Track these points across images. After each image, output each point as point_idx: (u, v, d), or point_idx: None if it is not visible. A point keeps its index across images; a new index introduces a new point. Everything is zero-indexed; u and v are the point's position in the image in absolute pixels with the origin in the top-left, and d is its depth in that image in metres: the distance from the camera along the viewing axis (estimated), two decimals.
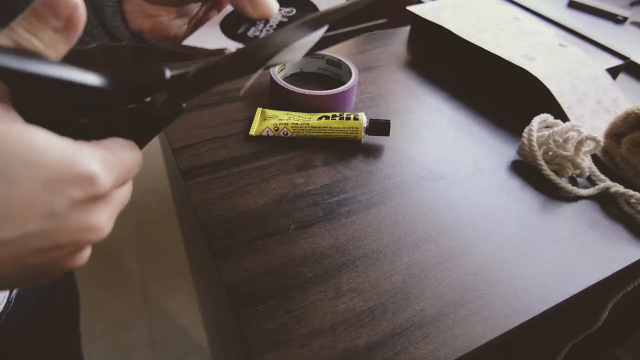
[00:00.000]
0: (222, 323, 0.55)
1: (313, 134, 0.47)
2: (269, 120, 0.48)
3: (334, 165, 0.46)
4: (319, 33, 0.25)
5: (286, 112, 0.49)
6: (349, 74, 0.54)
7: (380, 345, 0.32)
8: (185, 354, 1.17)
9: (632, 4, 0.83)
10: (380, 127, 0.48)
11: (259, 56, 0.23)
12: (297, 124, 0.47)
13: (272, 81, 0.53)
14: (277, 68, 0.55)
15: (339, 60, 0.56)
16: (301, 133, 0.47)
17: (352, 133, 0.47)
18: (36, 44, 0.18)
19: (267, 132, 0.48)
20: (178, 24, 0.31)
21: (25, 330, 0.47)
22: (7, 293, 0.38)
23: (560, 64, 0.56)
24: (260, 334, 0.32)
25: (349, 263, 0.37)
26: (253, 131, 0.48)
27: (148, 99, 0.21)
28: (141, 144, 0.22)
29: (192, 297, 1.28)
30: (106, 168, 0.18)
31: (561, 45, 0.61)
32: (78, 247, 0.18)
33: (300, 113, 0.49)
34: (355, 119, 0.47)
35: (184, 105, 0.23)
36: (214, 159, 0.45)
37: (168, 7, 0.30)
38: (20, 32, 0.17)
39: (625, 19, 0.77)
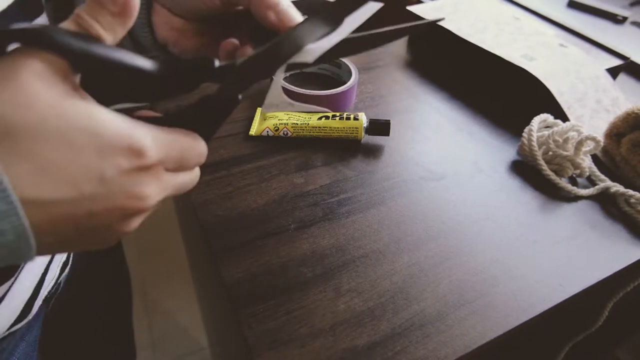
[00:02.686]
0: (222, 323, 0.55)
1: (313, 134, 0.47)
2: (269, 120, 0.48)
3: (334, 165, 0.46)
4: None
5: (286, 112, 0.49)
6: (349, 74, 0.54)
7: (380, 345, 0.32)
8: (185, 354, 1.17)
9: (632, 4, 0.83)
10: (380, 127, 0.48)
11: (301, 42, 0.24)
12: (297, 124, 0.47)
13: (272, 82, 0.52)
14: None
15: (339, 60, 0.56)
16: (301, 133, 0.47)
17: (352, 133, 0.47)
18: (97, 27, 0.20)
19: (267, 132, 0.48)
20: (200, 40, 0.33)
21: (77, 312, 0.50)
22: (55, 276, 0.40)
23: (560, 64, 0.56)
24: (260, 334, 0.32)
25: (349, 263, 0.37)
26: (253, 131, 0.48)
27: (205, 94, 0.22)
28: (206, 137, 0.24)
29: (192, 297, 1.27)
30: (156, 145, 0.20)
31: (561, 45, 0.60)
32: (125, 213, 0.20)
33: (300, 113, 0.49)
34: (355, 119, 0.47)
35: (240, 96, 0.24)
36: (214, 159, 0.45)
37: (190, 21, 0.32)
38: (84, 17, 0.20)
39: (625, 19, 0.77)
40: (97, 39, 0.20)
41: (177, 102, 0.24)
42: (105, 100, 0.20)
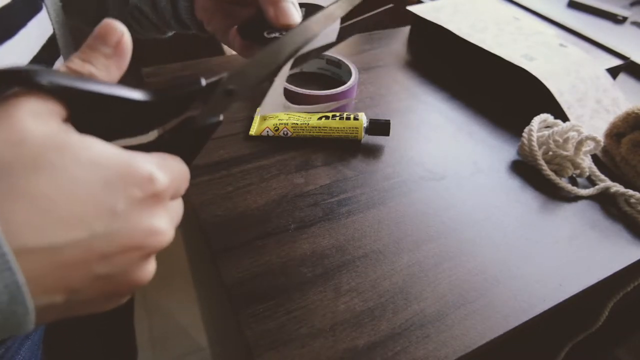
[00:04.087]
0: (222, 323, 0.55)
1: (313, 134, 0.47)
2: (269, 120, 0.48)
3: (334, 165, 0.46)
4: (331, 28, 0.26)
5: (286, 112, 0.49)
6: (349, 74, 0.54)
7: (380, 345, 0.32)
8: (185, 354, 1.17)
9: (632, 4, 0.83)
10: (380, 127, 0.48)
11: (283, 54, 0.25)
12: (297, 124, 0.47)
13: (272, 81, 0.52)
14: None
15: (339, 60, 0.56)
16: (301, 133, 0.47)
17: (352, 133, 0.47)
18: (89, 68, 0.20)
19: (267, 132, 0.48)
20: (229, 21, 0.36)
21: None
22: None
23: (560, 64, 0.56)
24: (260, 334, 0.32)
25: (349, 263, 0.37)
26: (253, 131, 0.48)
27: (186, 115, 0.22)
28: (187, 161, 0.23)
29: (192, 297, 1.27)
30: (161, 170, 0.19)
31: (561, 45, 0.60)
32: (143, 252, 0.18)
33: (300, 113, 0.49)
34: (355, 119, 0.47)
35: (221, 117, 0.24)
36: (214, 159, 0.45)
37: (220, 2, 0.35)
38: (76, 61, 0.20)
39: (625, 19, 0.77)
40: (88, 78, 0.20)
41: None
42: (97, 136, 0.19)
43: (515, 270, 0.38)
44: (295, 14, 0.29)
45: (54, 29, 0.32)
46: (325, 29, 0.26)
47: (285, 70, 0.26)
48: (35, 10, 0.29)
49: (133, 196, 0.17)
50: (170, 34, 0.44)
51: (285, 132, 0.47)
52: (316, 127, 0.47)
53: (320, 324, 0.33)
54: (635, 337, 0.91)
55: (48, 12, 0.31)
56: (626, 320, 0.76)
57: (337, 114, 0.48)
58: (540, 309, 0.35)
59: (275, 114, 0.49)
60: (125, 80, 0.21)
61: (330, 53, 0.57)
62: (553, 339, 0.55)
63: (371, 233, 0.39)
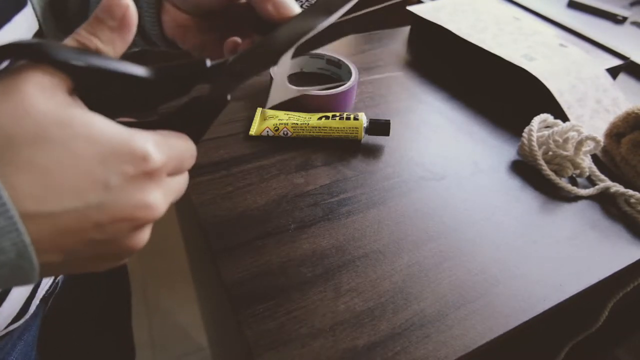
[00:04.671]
0: (222, 323, 0.55)
1: (313, 134, 0.47)
2: (269, 120, 0.48)
3: (334, 165, 0.46)
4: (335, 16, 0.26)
5: (286, 112, 0.49)
6: (349, 74, 0.54)
7: (380, 345, 0.32)
8: (185, 354, 1.17)
9: (632, 4, 0.83)
10: (380, 127, 0.48)
11: (289, 37, 0.25)
12: (297, 124, 0.47)
13: (272, 81, 0.52)
14: (276, 67, 0.54)
15: (339, 60, 0.56)
16: (301, 133, 0.47)
17: (352, 133, 0.47)
18: (95, 42, 0.20)
19: (267, 132, 0.48)
20: (205, 37, 0.33)
21: (75, 311, 0.50)
22: (52, 278, 0.40)
23: (560, 64, 0.56)
24: (260, 334, 0.32)
25: (349, 263, 0.37)
26: (253, 131, 0.48)
27: (194, 95, 0.23)
28: (194, 138, 0.24)
29: (192, 297, 1.27)
30: (158, 149, 0.20)
31: (561, 45, 0.60)
32: (134, 223, 0.19)
33: (300, 113, 0.49)
34: (355, 119, 0.47)
35: (229, 97, 0.24)
36: (214, 159, 0.45)
37: (195, 17, 0.32)
38: (83, 34, 0.20)
39: (625, 19, 0.77)
40: (94, 52, 0.20)
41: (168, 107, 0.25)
42: (103, 112, 0.20)
43: (515, 270, 0.38)
44: (294, 5, 0.29)
45: (39, 24, 0.32)
46: (329, 18, 0.26)
47: (287, 58, 0.26)
48: (21, 5, 0.28)
49: (126, 172, 0.18)
50: (136, 49, 0.40)
51: (285, 132, 0.47)
52: (316, 127, 0.47)
53: (320, 324, 0.33)
54: (635, 337, 0.91)
55: (33, 8, 0.31)
56: (626, 320, 0.76)
57: (337, 114, 0.48)
58: (540, 309, 0.35)
59: (275, 113, 0.49)
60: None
61: (330, 53, 0.57)
62: (553, 339, 0.55)
63: (371, 233, 0.39)
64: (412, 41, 0.71)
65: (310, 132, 0.47)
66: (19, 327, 0.37)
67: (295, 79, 0.58)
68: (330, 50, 0.58)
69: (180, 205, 0.64)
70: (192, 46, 0.34)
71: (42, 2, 0.32)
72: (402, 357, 0.31)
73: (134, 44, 0.36)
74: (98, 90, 0.20)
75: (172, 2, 0.31)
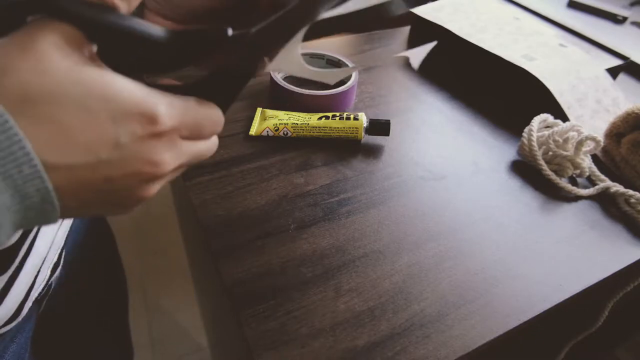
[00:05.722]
0: (222, 323, 0.55)
1: (313, 134, 0.47)
2: (269, 120, 0.48)
3: (334, 165, 0.46)
4: None
5: (286, 112, 0.49)
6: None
7: (380, 345, 0.32)
8: (185, 354, 1.17)
9: (632, 4, 0.83)
10: (380, 127, 0.48)
11: (314, 6, 0.24)
12: (297, 124, 0.47)
13: (272, 81, 0.52)
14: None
15: (339, 60, 0.56)
16: (301, 133, 0.47)
17: (352, 133, 0.47)
18: None
19: (267, 132, 0.48)
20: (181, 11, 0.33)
21: (71, 312, 0.49)
22: (46, 277, 0.40)
23: (560, 64, 0.56)
24: (260, 334, 0.32)
25: (349, 263, 0.37)
26: (253, 131, 0.48)
27: (220, 65, 0.23)
28: (223, 106, 0.24)
29: (192, 297, 1.27)
30: (170, 112, 0.21)
31: (561, 45, 0.60)
32: (142, 178, 0.20)
33: (300, 113, 0.49)
34: (355, 119, 0.47)
35: (256, 67, 0.24)
36: (214, 159, 0.45)
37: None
38: None
39: (625, 19, 0.77)
40: (111, 9, 0.20)
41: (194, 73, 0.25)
42: (120, 70, 0.20)
43: (515, 270, 0.38)
44: None
45: None
46: None
47: (300, 35, 0.25)
48: None
49: (135, 132, 0.19)
50: None
51: (285, 132, 0.47)
52: (316, 127, 0.47)
53: (320, 324, 0.33)
54: (635, 337, 0.91)
55: None
56: (626, 320, 0.76)
57: (337, 114, 0.48)
58: (540, 309, 0.35)
59: (275, 113, 0.49)
60: None
61: (330, 53, 0.57)
62: (553, 339, 0.55)
63: (371, 233, 0.39)
64: (412, 41, 0.71)
65: (310, 132, 0.47)
66: (11, 329, 0.36)
67: (296, 78, 0.58)
68: (330, 50, 0.58)
69: (180, 205, 0.64)
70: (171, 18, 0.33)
71: None
72: (402, 357, 0.31)
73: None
74: (115, 49, 0.21)
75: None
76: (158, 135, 0.20)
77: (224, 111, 0.24)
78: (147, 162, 0.20)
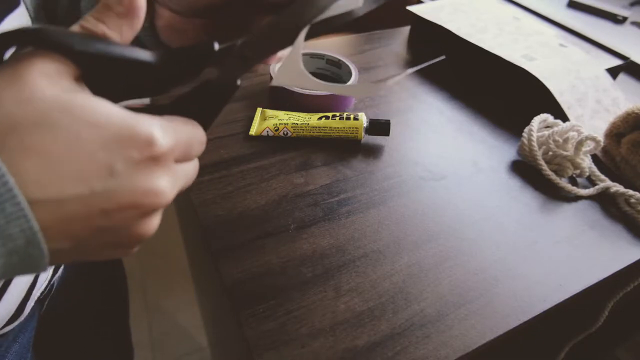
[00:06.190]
0: (222, 323, 0.55)
1: (313, 134, 0.47)
2: (269, 120, 0.48)
3: (334, 165, 0.46)
4: None
5: (286, 112, 0.49)
6: (349, 74, 0.54)
7: (380, 345, 0.32)
8: (185, 354, 1.17)
9: (632, 4, 0.83)
10: (380, 127, 0.48)
11: (301, 17, 0.24)
12: (297, 124, 0.47)
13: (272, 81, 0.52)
14: (277, 67, 0.54)
15: (339, 60, 0.56)
16: (301, 133, 0.47)
17: (352, 133, 0.47)
18: (102, 28, 0.20)
19: (267, 132, 0.48)
20: (205, 38, 0.32)
21: (72, 312, 0.49)
22: (48, 277, 0.39)
23: (560, 64, 0.56)
24: (260, 334, 0.32)
25: (349, 263, 0.37)
26: (253, 131, 0.48)
27: (202, 80, 0.22)
28: (204, 124, 0.23)
29: (192, 297, 1.27)
30: (164, 133, 0.19)
31: (561, 45, 0.60)
32: (141, 210, 0.19)
33: (300, 113, 0.49)
34: (355, 119, 0.47)
35: (239, 82, 0.23)
36: (214, 159, 0.45)
37: (190, 18, 0.31)
38: (90, 20, 0.20)
39: (625, 19, 0.77)
40: (100, 38, 0.20)
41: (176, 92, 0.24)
42: (107, 95, 0.20)
43: (515, 270, 0.38)
44: None
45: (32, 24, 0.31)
46: None
47: (301, 40, 0.25)
48: (13, 6, 0.28)
49: (131, 158, 0.18)
50: None
51: (285, 132, 0.47)
52: (316, 127, 0.47)
53: (320, 324, 0.33)
54: (635, 337, 0.91)
55: (27, 9, 0.30)
56: (626, 320, 0.76)
57: (337, 114, 0.48)
58: (540, 309, 0.35)
59: (275, 113, 0.49)
60: None
61: (330, 53, 0.57)
62: (553, 339, 0.55)
63: (371, 233, 0.39)
64: (412, 41, 0.71)
65: (310, 132, 0.47)
66: (13, 329, 0.36)
67: None
68: (331, 50, 0.58)
69: (180, 205, 0.64)
70: None
71: (34, 2, 0.32)
72: (402, 357, 0.31)
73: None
74: (104, 77, 0.20)
75: (166, 5, 0.30)
76: (156, 159, 0.19)
77: (206, 129, 0.23)
78: (147, 191, 0.18)
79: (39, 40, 0.18)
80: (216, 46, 0.22)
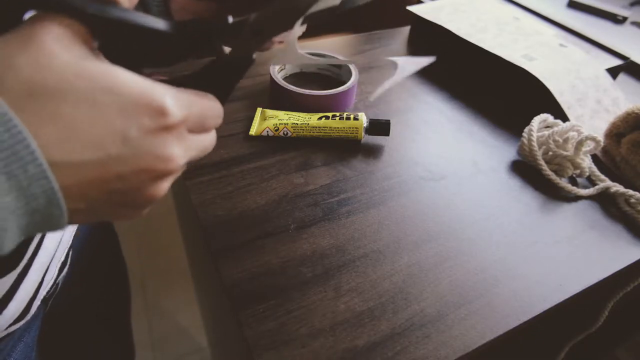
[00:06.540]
0: (222, 323, 0.55)
1: (313, 134, 0.47)
2: (269, 120, 0.48)
3: (334, 165, 0.46)
4: None
5: (286, 112, 0.49)
6: (349, 74, 0.54)
7: (380, 345, 0.32)
8: (185, 354, 1.17)
9: (632, 4, 0.83)
10: (380, 127, 0.48)
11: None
12: (297, 124, 0.47)
13: (272, 81, 0.52)
14: (277, 68, 0.55)
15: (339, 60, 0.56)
16: (301, 133, 0.47)
17: (352, 133, 0.47)
18: None
19: (267, 132, 0.48)
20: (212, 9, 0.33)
21: (75, 312, 0.49)
22: (54, 277, 0.40)
23: (560, 64, 0.56)
24: (260, 334, 0.32)
25: (349, 263, 0.37)
26: (253, 131, 0.48)
27: (218, 55, 0.22)
28: (221, 98, 0.23)
29: (192, 297, 1.27)
30: (178, 104, 0.20)
31: (561, 45, 0.60)
32: (153, 175, 0.20)
33: (300, 113, 0.49)
34: (355, 119, 0.47)
35: (254, 56, 0.23)
36: (214, 159, 0.45)
37: (207, 3, 0.32)
38: None
39: (625, 19, 0.77)
40: (112, 2, 0.20)
41: (192, 65, 0.25)
42: (122, 64, 0.20)
43: (515, 270, 0.38)
44: None
45: None
46: None
47: (298, 25, 0.25)
48: None
49: (144, 125, 0.18)
50: None
51: (285, 132, 0.47)
52: (316, 127, 0.47)
53: (320, 324, 0.33)
54: (635, 337, 0.91)
55: None
56: (626, 320, 0.76)
57: (337, 114, 0.48)
58: (540, 309, 0.35)
59: (275, 113, 0.49)
60: None
61: (330, 53, 0.57)
62: (553, 339, 0.55)
63: (371, 233, 0.39)
64: (412, 41, 0.71)
65: (310, 132, 0.47)
66: (19, 328, 0.36)
67: (295, 79, 0.58)
68: (331, 50, 0.58)
69: (180, 205, 0.64)
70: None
71: None
72: (402, 357, 0.31)
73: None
74: (117, 43, 0.20)
75: None
76: (168, 128, 0.19)
77: (222, 103, 0.24)
78: (159, 157, 0.19)
79: (55, 5, 0.18)
80: (230, 19, 0.22)
